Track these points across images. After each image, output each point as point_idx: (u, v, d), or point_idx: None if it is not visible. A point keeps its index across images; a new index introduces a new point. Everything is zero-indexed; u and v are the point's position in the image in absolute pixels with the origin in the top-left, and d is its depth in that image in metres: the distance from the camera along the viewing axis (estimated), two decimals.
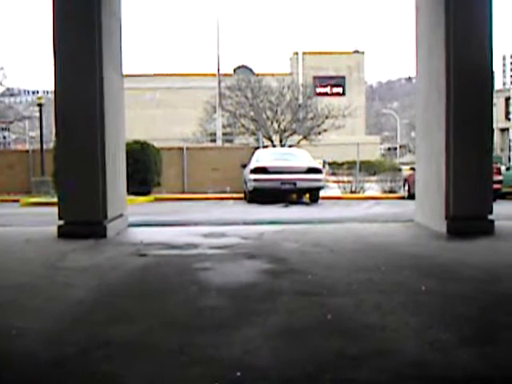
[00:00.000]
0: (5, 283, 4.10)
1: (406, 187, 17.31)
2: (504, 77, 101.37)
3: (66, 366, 2.43)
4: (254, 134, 31.44)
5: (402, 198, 17.27)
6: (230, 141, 32.04)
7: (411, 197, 12.97)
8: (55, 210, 6.66)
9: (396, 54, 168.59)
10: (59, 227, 6.58)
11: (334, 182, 20.34)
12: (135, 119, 31.39)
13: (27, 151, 22.46)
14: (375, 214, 11.34)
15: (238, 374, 2.29)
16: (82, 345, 2.68)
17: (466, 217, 6.57)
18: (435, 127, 6.89)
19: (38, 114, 24.75)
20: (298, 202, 15.64)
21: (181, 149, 21.35)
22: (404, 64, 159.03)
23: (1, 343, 2.75)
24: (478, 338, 2.76)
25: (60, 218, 6.59)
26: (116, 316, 3.22)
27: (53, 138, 7.01)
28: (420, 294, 3.61)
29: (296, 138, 32.47)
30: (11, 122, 37.58)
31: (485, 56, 6.52)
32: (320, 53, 51.37)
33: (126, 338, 2.80)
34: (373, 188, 19.96)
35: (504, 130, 52.28)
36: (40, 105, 22.69)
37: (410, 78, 74.20)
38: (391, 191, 18.99)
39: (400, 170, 26.11)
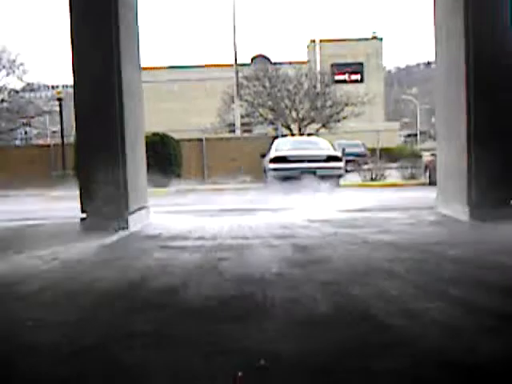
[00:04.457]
0: (28, 278, 4.15)
1: (427, 173, 17.16)
2: None
3: (86, 357, 2.45)
4: (272, 123, 31.37)
5: (423, 184, 17.13)
6: (249, 131, 32.00)
7: (433, 183, 12.86)
8: (77, 203, 6.74)
9: (414, 38, 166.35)
10: (82, 220, 6.66)
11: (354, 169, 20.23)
12: (154, 112, 31.48)
13: (48, 146, 22.70)
14: (396, 201, 11.26)
15: (262, 362, 2.31)
16: (104, 336, 2.72)
17: (489, 203, 6.49)
18: (455, 112, 6.81)
19: (58, 109, 24.97)
20: (318, 190, 15.60)
21: (200, 140, 21.42)
22: (423, 49, 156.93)
23: (23, 335, 2.80)
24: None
25: (82, 211, 6.66)
26: (138, 308, 3.25)
27: (73, 132, 7.07)
28: (443, 281, 3.59)
29: (315, 126, 32.33)
30: (32, 117, 37.95)
31: (505, 38, 6.41)
32: (337, 40, 50.93)
33: (148, 329, 2.83)
34: (393, 175, 19.82)
35: None
36: (60, 99, 22.90)
37: (429, 62, 73.17)
38: (412, 178, 18.84)
39: (421, 156, 25.85)
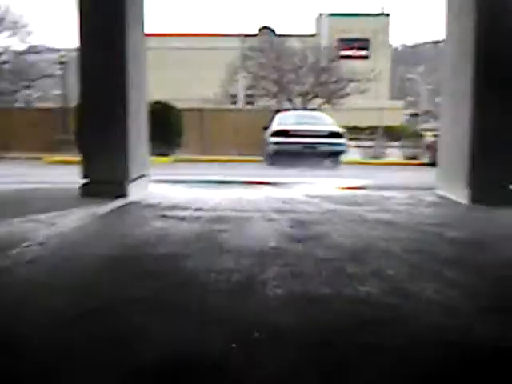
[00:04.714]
0: (24, 243, 4.17)
1: (429, 154, 17.12)
2: None
3: (88, 321, 2.49)
4: (275, 96, 31.18)
5: (424, 164, 17.11)
6: (252, 103, 31.81)
7: (433, 164, 12.84)
8: (78, 168, 6.74)
9: (422, 16, 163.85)
10: (82, 186, 6.66)
11: (355, 146, 20.17)
12: (157, 80, 31.26)
13: (50, 109, 22.58)
14: (396, 180, 11.28)
15: (256, 334, 2.34)
16: (102, 302, 2.75)
17: (490, 186, 6.49)
18: (462, 91, 6.75)
19: (60, 72, 24.77)
20: (319, 166, 15.58)
21: (201, 110, 21.29)
22: (430, 27, 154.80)
23: (26, 299, 2.83)
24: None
25: (83, 176, 6.67)
26: (137, 275, 3.29)
27: (76, 96, 7.03)
28: (440, 262, 3.61)
29: (318, 101, 32.14)
30: (34, 80, 37.68)
31: None
32: (345, 14, 50.32)
33: (145, 296, 2.86)
34: (394, 154, 19.79)
35: None
36: (62, 63, 22.69)
37: (435, 41, 72.31)
38: (413, 157, 18.82)
39: (422, 136, 25.77)
